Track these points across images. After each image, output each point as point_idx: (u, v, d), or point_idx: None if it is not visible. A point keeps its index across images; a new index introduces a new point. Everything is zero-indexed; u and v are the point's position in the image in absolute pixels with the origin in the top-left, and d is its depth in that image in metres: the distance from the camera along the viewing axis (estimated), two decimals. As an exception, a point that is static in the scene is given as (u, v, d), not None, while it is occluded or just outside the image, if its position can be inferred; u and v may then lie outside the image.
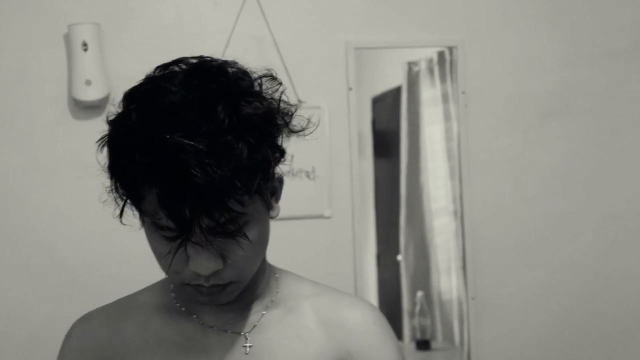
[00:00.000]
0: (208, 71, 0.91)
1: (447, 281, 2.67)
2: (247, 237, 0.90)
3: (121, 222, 0.96)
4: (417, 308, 2.66)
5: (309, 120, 0.96)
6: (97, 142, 0.95)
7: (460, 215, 2.58)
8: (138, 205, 0.91)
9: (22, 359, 2.34)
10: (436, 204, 2.68)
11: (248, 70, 0.94)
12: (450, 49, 2.57)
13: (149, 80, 0.94)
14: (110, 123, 0.94)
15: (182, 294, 1.03)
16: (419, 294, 2.68)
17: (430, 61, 2.65)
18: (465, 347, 2.57)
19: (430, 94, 2.67)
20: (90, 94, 2.29)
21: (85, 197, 2.36)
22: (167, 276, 0.97)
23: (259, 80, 0.93)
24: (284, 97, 0.94)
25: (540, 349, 2.60)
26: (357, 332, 1.02)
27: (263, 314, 1.02)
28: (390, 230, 2.73)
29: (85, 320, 1.08)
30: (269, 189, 0.94)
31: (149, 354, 1.00)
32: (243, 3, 2.37)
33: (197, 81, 0.90)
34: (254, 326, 1.01)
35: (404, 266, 2.70)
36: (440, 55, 2.62)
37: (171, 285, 1.06)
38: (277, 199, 0.99)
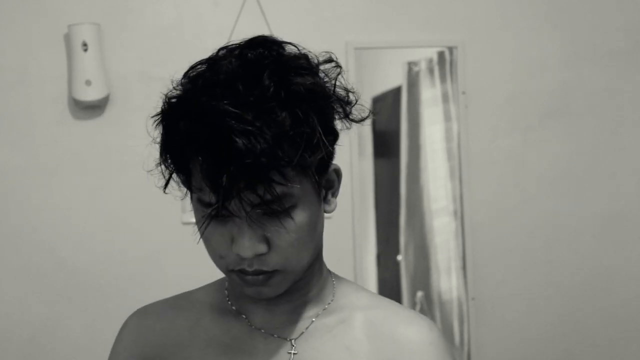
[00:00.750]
0: (263, 44, 0.90)
1: (447, 281, 2.67)
2: (291, 217, 0.87)
3: (164, 192, 0.94)
4: (417, 308, 2.66)
5: (371, 112, 0.95)
6: (152, 117, 0.93)
7: (460, 216, 2.58)
8: (187, 180, 0.90)
9: (22, 359, 2.34)
10: (436, 204, 2.68)
11: (308, 54, 0.93)
12: (451, 49, 2.57)
13: (207, 59, 0.92)
14: (165, 98, 0.92)
15: (234, 290, 1.01)
16: (419, 294, 2.68)
17: (430, 61, 2.65)
18: (465, 347, 2.57)
19: (430, 94, 2.67)
20: (90, 94, 2.29)
21: (85, 197, 2.37)
22: (212, 259, 0.94)
23: (317, 62, 0.92)
24: (342, 80, 0.93)
25: (540, 349, 2.60)
26: (410, 350, 0.95)
27: (313, 321, 0.99)
28: (390, 230, 2.73)
29: (141, 313, 1.07)
30: (320, 173, 0.91)
31: (196, 351, 0.99)
32: (243, 3, 2.37)
33: (250, 54, 0.89)
34: (302, 333, 0.98)
35: (404, 266, 2.70)
36: (441, 55, 2.62)
37: (226, 283, 1.04)
38: (335, 193, 0.97)
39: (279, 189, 0.85)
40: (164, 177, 0.93)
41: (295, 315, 0.99)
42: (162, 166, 0.93)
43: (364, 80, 2.53)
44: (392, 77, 2.72)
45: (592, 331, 2.62)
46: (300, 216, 0.89)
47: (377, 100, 2.71)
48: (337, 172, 0.98)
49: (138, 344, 1.04)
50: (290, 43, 0.93)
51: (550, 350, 2.60)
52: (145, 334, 1.04)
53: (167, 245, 2.38)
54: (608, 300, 2.63)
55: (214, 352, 0.98)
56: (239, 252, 0.87)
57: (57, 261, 2.34)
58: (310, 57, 0.93)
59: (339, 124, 0.96)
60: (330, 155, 0.94)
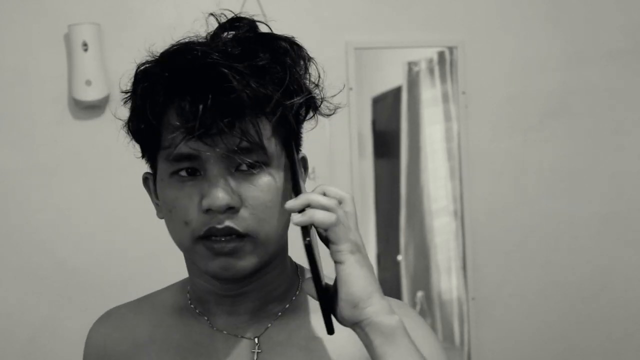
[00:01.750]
0: (239, 21, 0.92)
1: (447, 281, 2.67)
2: (264, 176, 0.87)
3: (144, 159, 0.96)
4: (417, 308, 2.66)
5: (336, 107, 0.96)
6: (122, 91, 0.94)
7: (460, 216, 2.58)
8: (157, 139, 0.89)
9: (22, 359, 2.34)
10: (436, 204, 2.68)
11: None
12: (451, 49, 2.57)
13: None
14: (138, 65, 0.94)
15: (196, 290, 0.99)
16: (419, 294, 2.68)
17: (430, 61, 2.65)
18: (465, 347, 2.57)
19: (430, 94, 2.67)
20: (91, 94, 2.29)
21: (85, 197, 2.37)
22: (175, 238, 0.94)
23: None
24: (315, 70, 0.93)
25: (540, 349, 2.60)
26: None
27: (279, 316, 0.96)
28: (390, 231, 2.73)
29: (103, 320, 1.07)
30: (295, 145, 0.91)
31: (154, 356, 0.98)
32: (243, 3, 2.37)
33: (226, 33, 0.91)
34: (266, 329, 0.96)
35: (404, 266, 2.70)
36: (441, 55, 2.62)
37: (188, 286, 1.03)
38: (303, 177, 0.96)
39: (257, 134, 0.85)
40: (134, 140, 0.94)
41: (259, 314, 0.96)
42: (130, 133, 0.93)
43: (364, 80, 2.53)
44: (392, 77, 2.72)
45: (592, 331, 2.62)
46: (271, 180, 0.88)
47: (377, 100, 2.72)
48: (304, 161, 0.97)
49: (98, 352, 1.05)
50: (263, 22, 0.94)
51: (550, 350, 2.60)
52: (105, 342, 1.04)
53: (167, 246, 2.36)
54: (608, 300, 2.63)
55: (171, 357, 0.97)
56: (210, 204, 0.85)
57: (57, 261, 2.34)
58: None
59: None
60: (300, 135, 0.94)
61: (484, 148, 2.57)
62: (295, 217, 0.82)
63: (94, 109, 2.34)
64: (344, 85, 1.02)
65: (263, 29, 0.93)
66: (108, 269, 2.36)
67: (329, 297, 0.85)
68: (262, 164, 0.87)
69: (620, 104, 2.64)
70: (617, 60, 2.62)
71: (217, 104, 0.82)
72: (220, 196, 0.85)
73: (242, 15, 0.93)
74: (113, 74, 2.34)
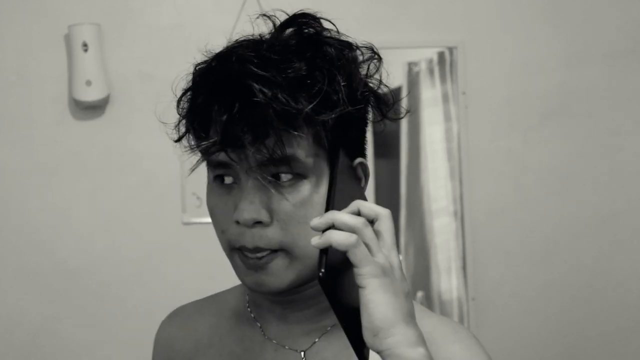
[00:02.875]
0: (302, 17, 0.89)
1: (447, 281, 2.66)
2: (297, 189, 0.83)
3: (191, 149, 0.89)
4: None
5: (408, 111, 0.91)
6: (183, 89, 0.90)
7: (460, 216, 2.58)
8: (203, 146, 0.86)
9: (22, 359, 2.34)
10: (436, 204, 2.68)
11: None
12: (451, 49, 2.57)
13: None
14: (196, 66, 0.91)
15: (254, 295, 0.97)
16: (419, 294, 2.68)
17: (430, 62, 2.65)
18: (466, 348, 2.57)
19: (430, 94, 2.67)
20: (91, 95, 2.29)
21: (85, 197, 2.37)
22: (219, 240, 0.91)
23: (356, 45, 0.89)
24: (381, 75, 0.89)
25: (540, 349, 2.60)
26: (435, 343, 0.88)
27: (328, 330, 0.93)
28: (390, 231, 2.72)
29: (169, 318, 1.07)
30: (339, 148, 0.87)
31: (209, 359, 0.98)
32: (243, 3, 2.37)
33: (281, 34, 0.88)
34: (314, 343, 0.93)
35: (404, 266, 2.70)
36: (441, 55, 2.62)
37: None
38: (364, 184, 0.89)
39: (288, 150, 0.81)
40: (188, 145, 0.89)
41: (308, 326, 0.94)
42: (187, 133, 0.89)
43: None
44: (392, 78, 2.72)
45: (592, 331, 2.62)
46: (308, 191, 0.84)
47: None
48: (364, 167, 0.94)
49: (164, 349, 1.05)
50: (327, 20, 0.91)
51: (550, 350, 2.60)
52: (171, 340, 1.04)
53: (167, 246, 2.38)
54: (608, 300, 2.63)
55: None
56: (238, 217, 0.83)
57: (57, 261, 2.34)
58: (350, 41, 0.90)
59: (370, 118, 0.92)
60: (357, 141, 0.91)
61: (484, 148, 2.57)
62: (314, 240, 0.76)
63: (94, 109, 2.34)
64: (408, 92, 0.99)
65: (326, 25, 0.90)
66: (108, 269, 2.36)
67: (357, 333, 0.78)
68: (296, 175, 0.83)
69: (620, 104, 2.64)
70: (617, 60, 2.62)
71: (242, 116, 0.80)
72: (247, 210, 0.82)
73: (306, 12, 0.89)
74: (113, 74, 2.35)
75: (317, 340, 0.93)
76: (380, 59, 0.90)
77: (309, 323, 0.94)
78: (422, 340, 0.78)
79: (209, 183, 0.89)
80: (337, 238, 0.76)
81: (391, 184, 2.72)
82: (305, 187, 0.84)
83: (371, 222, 0.79)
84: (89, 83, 2.29)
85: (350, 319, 0.77)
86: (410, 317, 0.78)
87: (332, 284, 0.76)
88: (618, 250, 2.64)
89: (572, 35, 2.61)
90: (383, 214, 0.80)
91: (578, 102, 2.61)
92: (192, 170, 0.89)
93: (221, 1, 2.41)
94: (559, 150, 2.60)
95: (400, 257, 2.70)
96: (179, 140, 0.89)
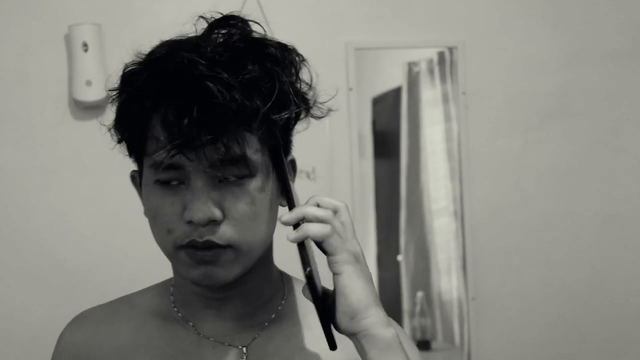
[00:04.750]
0: (231, 19, 0.90)
1: (447, 281, 2.67)
2: (248, 188, 0.85)
3: (130, 157, 0.92)
4: (418, 308, 2.66)
5: (329, 110, 0.93)
6: (108, 90, 0.93)
7: (460, 216, 2.58)
8: (142, 145, 0.87)
9: (22, 359, 2.34)
10: (436, 204, 2.68)
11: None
12: (451, 49, 2.57)
13: (168, 40, 0.92)
14: (125, 66, 0.94)
15: (181, 295, 0.97)
16: (419, 294, 2.68)
17: (430, 62, 2.65)
18: (466, 348, 2.57)
19: (430, 94, 2.67)
20: (91, 95, 2.29)
21: (85, 197, 2.37)
22: (158, 243, 0.92)
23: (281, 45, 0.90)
24: (306, 71, 0.91)
25: (540, 349, 2.60)
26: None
27: (265, 325, 0.95)
28: (391, 231, 2.73)
29: (76, 323, 1.02)
30: (284, 152, 0.89)
31: None
32: (243, 3, 2.37)
33: (217, 28, 0.89)
34: (254, 338, 0.94)
35: (404, 266, 2.70)
36: (441, 55, 2.62)
37: (171, 288, 1.00)
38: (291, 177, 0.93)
39: (241, 148, 0.83)
40: (117, 142, 0.92)
41: (247, 321, 0.94)
42: (115, 136, 0.92)
43: (364, 81, 2.53)
44: (392, 78, 2.72)
45: (592, 331, 2.62)
46: (256, 190, 0.86)
47: (377, 101, 2.72)
48: (294, 163, 0.96)
49: (74, 356, 1.00)
50: (255, 22, 0.91)
51: (550, 350, 2.60)
52: (81, 346, 0.99)
53: (167, 246, 2.38)
54: (608, 300, 2.63)
55: None
56: (192, 217, 0.84)
57: (57, 261, 2.34)
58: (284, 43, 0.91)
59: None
60: (290, 139, 0.92)
61: (484, 148, 2.57)
62: (291, 235, 0.82)
63: (94, 109, 2.34)
64: (337, 91, 1.00)
65: (255, 28, 0.91)
66: (108, 269, 2.36)
67: (330, 316, 0.84)
68: (246, 176, 0.85)
69: (620, 104, 2.64)
70: (616, 61, 2.62)
71: (202, 118, 0.81)
72: (201, 209, 0.83)
73: (235, 14, 0.91)
74: (113, 74, 2.35)
75: (256, 336, 0.94)
76: (304, 59, 0.92)
77: (246, 319, 0.94)
78: (390, 322, 0.85)
79: (147, 185, 0.89)
80: (314, 230, 0.82)
81: (391, 184, 2.72)
82: (253, 185, 0.86)
83: None
84: (89, 83, 2.29)
85: (321, 308, 0.83)
86: (379, 300, 0.84)
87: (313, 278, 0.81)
88: (618, 250, 2.64)
89: (572, 35, 2.61)
90: (341, 205, 0.86)
91: (578, 102, 2.61)
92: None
93: (221, 1, 2.41)
94: (559, 150, 2.60)
95: (401, 257, 2.71)
96: (120, 142, 0.91)
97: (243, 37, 0.87)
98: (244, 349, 0.93)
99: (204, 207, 0.83)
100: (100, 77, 2.30)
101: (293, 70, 0.88)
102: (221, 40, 0.87)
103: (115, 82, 0.93)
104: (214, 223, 0.85)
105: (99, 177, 2.37)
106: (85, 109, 2.34)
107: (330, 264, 0.83)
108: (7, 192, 2.33)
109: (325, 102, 0.93)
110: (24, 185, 2.33)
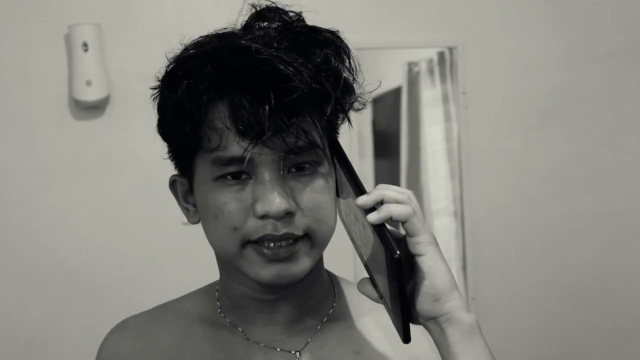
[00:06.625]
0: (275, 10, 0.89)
1: (447, 281, 2.66)
2: (316, 176, 0.82)
3: (172, 160, 0.88)
4: (417, 308, 2.66)
5: (375, 100, 0.92)
6: (151, 87, 0.87)
7: (460, 216, 2.58)
8: (197, 140, 0.81)
9: (22, 359, 2.34)
10: (436, 204, 2.68)
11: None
12: (451, 49, 2.57)
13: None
14: (170, 59, 0.88)
15: (228, 299, 0.92)
16: (419, 294, 2.68)
17: (430, 62, 2.65)
18: (465, 348, 2.57)
19: (430, 94, 2.67)
20: (91, 95, 2.29)
21: (85, 197, 2.37)
22: (218, 244, 0.85)
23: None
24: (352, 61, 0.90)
25: (540, 349, 2.60)
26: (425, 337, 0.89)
27: (318, 329, 0.91)
28: (391, 231, 2.72)
29: (121, 329, 0.97)
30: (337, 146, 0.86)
31: None
32: (243, 3, 2.37)
33: (257, 26, 0.87)
34: (307, 343, 0.90)
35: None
36: (441, 55, 2.62)
37: (216, 293, 0.95)
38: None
39: (317, 136, 0.81)
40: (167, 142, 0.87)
41: (298, 326, 0.91)
42: (164, 134, 0.87)
43: (364, 81, 2.52)
44: (392, 78, 2.72)
45: (592, 331, 2.62)
46: (323, 178, 0.84)
47: (377, 101, 2.71)
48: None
49: None
50: (295, 12, 0.91)
51: (550, 350, 2.60)
52: (124, 353, 0.94)
53: (167, 246, 2.38)
54: (608, 300, 2.63)
55: None
56: (268, 210, 0.79)
57: (57, 261, 2.34)
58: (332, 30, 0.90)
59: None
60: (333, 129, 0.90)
61: (484, 148, 2.57)
62: (372, 216, 0.78)
63: (94, 109, 2.34)
64: (380, 82, 0.99)
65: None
66: (108, 269, 2.36)
67: (409, 306, 0.79)
68: (315, 163, 0.83)
69: (620, 104, 2.64)
70: (616, 61, 2.62)
71: (279, 105, 0.77)
72: (278, 201, 0.79)
73: (273, 6, 0.89)
74: (113, 74, 2.35)
75: (309, 340, 0.91)
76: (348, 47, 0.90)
77: (296, 324, 0.91)
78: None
79: (204, 184, 0.84)
80: (397, 209, 0.80)
81: (391, 184, 2.72)
82: (321, 174, 0.84)
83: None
84: (89, 83, 2.29)
85: (405, 294, 0.77)
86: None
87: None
88: (618, 250, 2.64)
89: (572, 35, 2.61)
90: (410, 192, 0.84)
91: (578, 102, 2.61)
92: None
93: (221, 1, 2.41)
94: (559, 150, 2.60)
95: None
96: (166, 134, 0.87)
97: (298, 25, 0.86)
98: (297, 354, 0.90)
99: (279, 199, 0.79)
100: (100, 77, 2.30)
101: (345, 57, 0.87)
102: (274, 26, 0.86)
103: (153, 81, 0.89)
104: (289, 215, 0.81)
105: (99, 177, 2.37)
106: (85, 109, 2.34)
107: (413, 246, 0.80)
108: (7, 192, 2.33)
109: (371, 92, 0.93)
110: (24, 185, 2.33)
